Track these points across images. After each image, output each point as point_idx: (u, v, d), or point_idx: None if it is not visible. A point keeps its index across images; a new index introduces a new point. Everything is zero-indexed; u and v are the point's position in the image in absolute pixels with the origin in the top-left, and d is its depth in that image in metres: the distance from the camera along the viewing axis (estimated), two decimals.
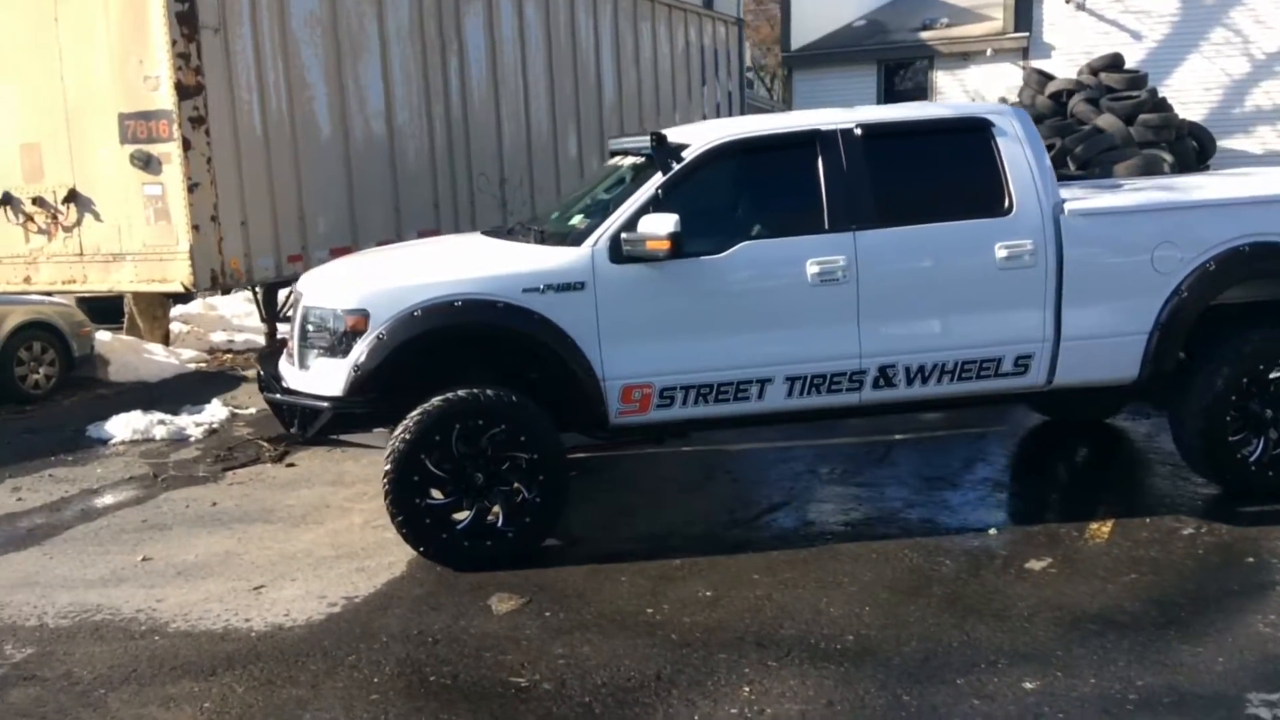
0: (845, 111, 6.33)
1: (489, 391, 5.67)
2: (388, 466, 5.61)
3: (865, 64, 25.35)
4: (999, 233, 6.02)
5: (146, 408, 9.18)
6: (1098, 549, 5.67)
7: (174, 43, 7.57)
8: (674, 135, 6.19)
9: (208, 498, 7.20)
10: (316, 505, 6.94)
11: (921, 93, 24.82)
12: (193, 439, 8.81)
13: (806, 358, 5.94)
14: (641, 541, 6.08)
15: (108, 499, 7.25)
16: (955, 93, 24.33)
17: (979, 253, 6.01)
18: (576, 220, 6.19)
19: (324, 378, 5.78)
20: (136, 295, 10.85)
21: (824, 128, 6.09)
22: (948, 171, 6.24)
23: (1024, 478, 7.22)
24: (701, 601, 5.19)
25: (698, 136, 6.07)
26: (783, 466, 7.36)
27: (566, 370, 5.75)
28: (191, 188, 7.67)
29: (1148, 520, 6.06)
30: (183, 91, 7.59)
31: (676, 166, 5.92)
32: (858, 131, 6.06)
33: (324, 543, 6.23)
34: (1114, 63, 21.12)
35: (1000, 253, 5.99)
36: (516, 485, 5.74)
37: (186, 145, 7.62)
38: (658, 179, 5.91)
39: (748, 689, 4.34)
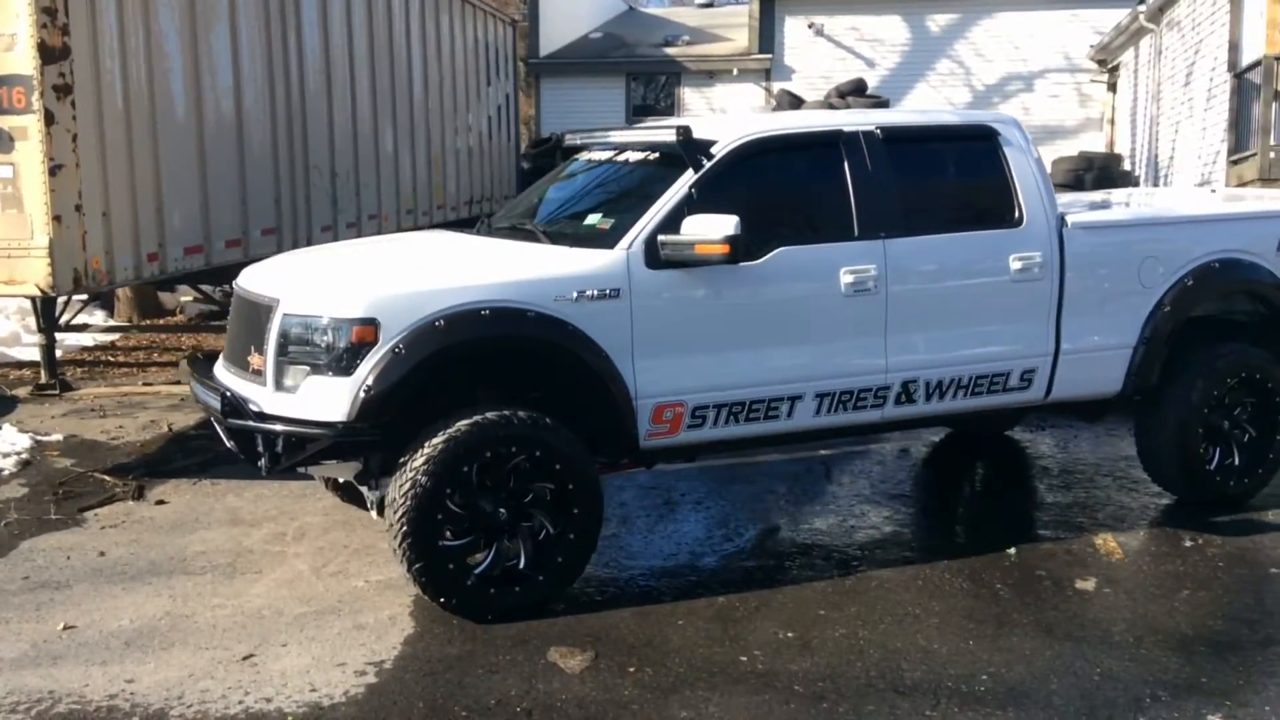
0: (855, 114, 6.01)
1: (521, 414, 4.91)
2: (405, 504, 4.73)
3: (613, 76, 25.36)
4: (1012, 244, 5.89)
5: None
6: (1126, 565, 5.62)
7: None
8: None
9: (86, 546, 5.92)
10: (234, 551, 5.85)
11: (669, 109, 25.07)
12: (5, 472, 7.31)
13: (837, 373, 5.56)
14: (654, 577, 5.49)
15: None
16: (702, 109, 24.74)
17: (995, 265, 5.85)
18: (596, 220, 5.49)
19: (317, 400, 4.81)
20: None
21: (847, 128, 5.74)
22: (961, 180, 6.07)
23: (982, 494, 7.15)
24: (791, 645, 4.68)
25: (721, 132, 5.55)
26: (737, 488, 6.93)
27: (602, 389, 5.08)
28: (53, 170, 6.25)
29: (1140, 534, 6.10)
30: (46, 54, 6.16)
31: (707, 163, 5.38)
32: (879, 134, 5.75)
33: (284, 597, 5.22)
34: (858, 87, 22.04)
35: (1015, 265, 5.86)
36: (542, 521, 5.01)
37: (49, 119, 6.21)
38: (689, 176, 5.34)
39: None
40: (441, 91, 13.78)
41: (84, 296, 9.33)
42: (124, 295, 12.31)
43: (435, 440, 4.78)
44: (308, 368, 4.86)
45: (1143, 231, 6.35)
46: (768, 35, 24.44)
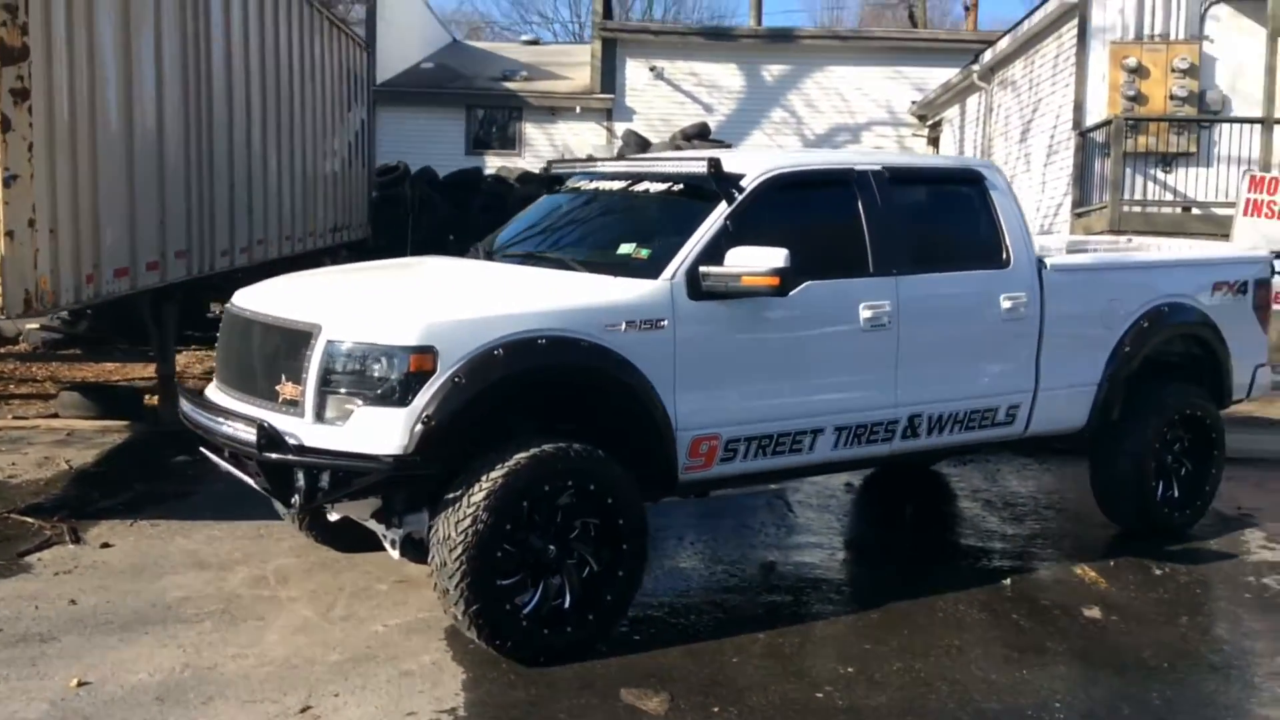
0: (860, 153, 6.14)
1: (576, 446, 4.76)
2: (465, 541, 4.50)
3: (454, 107, 25.10)
4: (1002, 284, 6.12)
5: None
6: (1118, 595, 5.87)
7: None
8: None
9: (49, 594, 5.37)
10: (219, 597, 5.42)
11: (511, 143, 24.96)
12: None
13: (854, 407, 5.64)
14: (681, 614, 5.39)
15: None
16: (543, 145, 24.73)
17: (989, 303, 6.07)
18: (629, 250, 5.38)
19: (369, 432, 4.52)
20: None
21: (858, 166, 5.86)
22: (954, 221, 6.26)
23: (946, 527, 7.30)
24: (857, 680, 4.68)
25: (745, 165, 5.57)
26: (712, 522, 6.90)
27: (648, 421, 4.98)
28: (8, 181, 5.64)
29: (1111, 564, 6.37)
30: (4, 54, 5.56)
31: (739, 196, 5.38)
32: (885, 174, 5.89)
33: (306, 644, 4.87)
34: (702, 131, 22.66)
35: (1005, 304, 6.09)
36: (586, 558, 4.86)
37: (5, 125, 5.59)
38: (722, 209, 5.33)
39: None
40: (316, 115, 13.29)
41: None
42: None
43: (494, 474, 4.57)
44: (357, 398, 4.57)
45: (1109, 275, 6.72)
46: (609, 75, 24.71)
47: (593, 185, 6.13)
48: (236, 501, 6.92)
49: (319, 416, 4.62)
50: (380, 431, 4.52)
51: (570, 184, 6.37)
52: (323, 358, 4.61)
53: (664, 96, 24.65)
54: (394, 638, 4.96)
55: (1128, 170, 13.68)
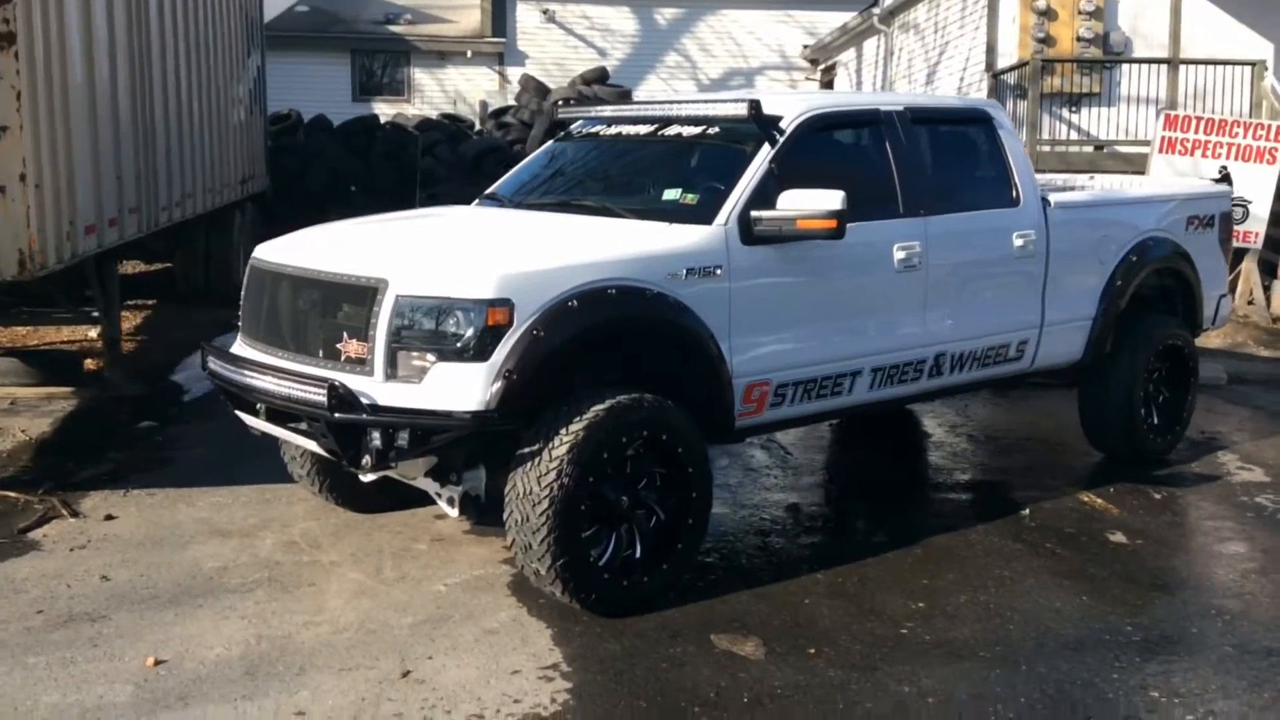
0: (882, 94, 6.14)
1: (648, 396, 4.70)
2: (549, 496, 4.40)
3: (338, 52, 24.28)
4: (1014, 222, 6.23)
5: None
6: (1132, 520, 6.07)
7: None
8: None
9: (75, 571, 5.08)
10: (257, 564, 5.21)
11: (400, 89, 24.30)
12: None
13: (889, 347, 5.69)
14: (727, 559, 5.39)
15: None
16: (434, 91, 24.15)
17: (1004, 242, 6.17)
18: (676, 195, 5.29)
19: (447, 389, 4.37)
20: None
21: (883, 107, 5.86)
22: (969, 161, 6.33)
23: (943, 462, 7.45)
24: (934, 615, 4.76)
25: (782, 107, 5.51)
26: (721, 464, 6.91)
27: (710, 368, 4.94)
28: None
29: (1110, 490, 6.58)
30: None
31: (779, 138, 5.34)
32: (908, 115, 5.92)
33: (373, 608, 4.71)
34: (600, 77, 22.42)
35: (1017, 242, 6.21)
36: (654, 507, 4.82)
37: None
38: (766, 151, 5.28)
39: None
40: (225, 61, 12.68)
41: None
42: None
43: (573, 426, 4.47)
44: (430, 354, 4.41)
45: (1104, 211, 6.90)
46: (500, 19, 24.19)
47: (614, 130, 5.99)
48: (222, 467, 6.70)
49: (390, 374, 4.44)
50: (459, 388, 4.37)
51: (584, 130, 6.22)
52: (392, 314, 4.43)
53: (557, 40, 24.28)
54: (460, 597, 4.85)
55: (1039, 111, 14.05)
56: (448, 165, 18.58)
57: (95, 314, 8.35)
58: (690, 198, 5.24)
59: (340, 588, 4.95)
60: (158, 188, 8.70)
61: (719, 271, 4.97)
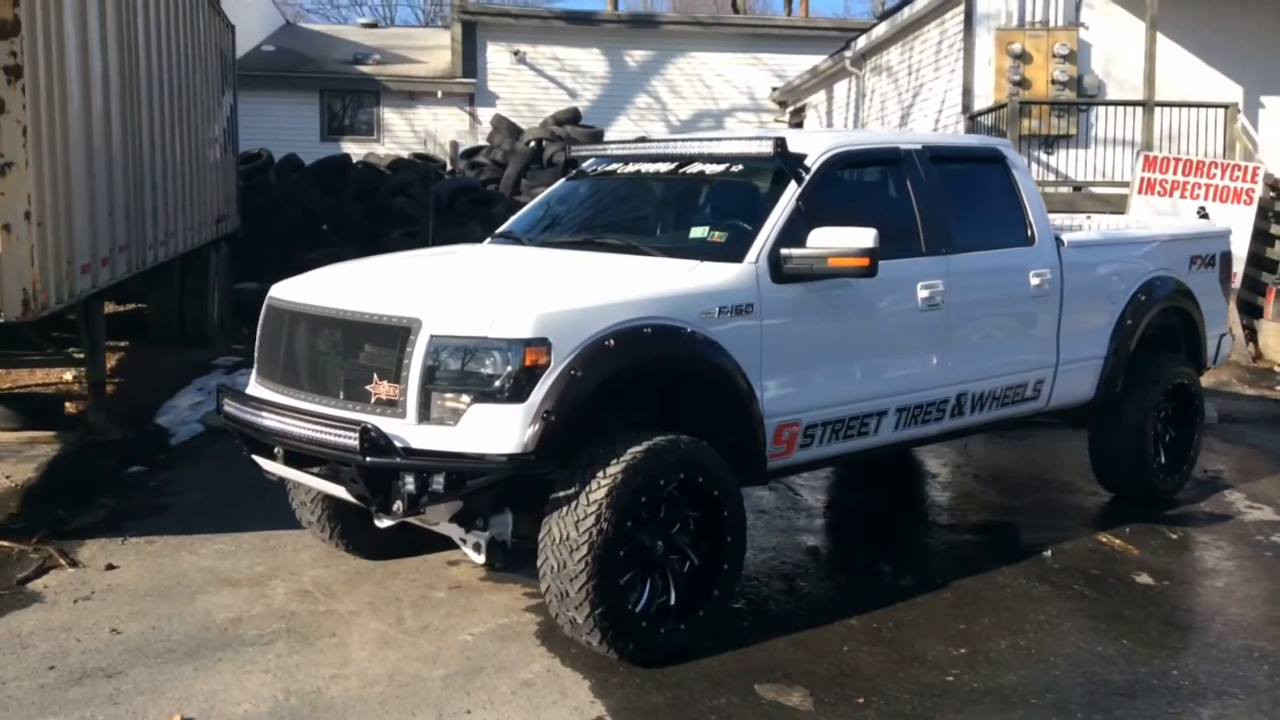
0: (900, 133, 6.12)
1: (684, 438, 4.58)
2: (588, 541, 4.26)
3: (307, 91, 24.11)
4: (1030, 261, 6.21)
5: None
6: (1154, 561, 6.02)
7: None
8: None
9: (82, 625, 4.86)
10: (272, 615, 5.01)
11: (369, 129, 24.17)
12: None
13: (913, 387, 5.62)
14: (756, 604, 5.27)
15: None
16: (403, 131, 24.05)
17: (1022, 281, 6.15)
18: (703, 233, 5.21)
19: (484, 431, 4.24)
20: None
21: (903, 146, 5.83)
22: (986, 200, 6.29)
23: (953, 504, 7.39)
24: (976, 660, 4.66)
25: (805, 145, 5.46)
26: None
27: (743, 409, 4.84)
28: (2, 170, 5.02)
29: (1127, 531, 6.53)
30: None
31: (806, 176, 5.28)
32: (927, 154, 5.89)
33: (400, 660, 4.53)
34: (573, 117, 22.42)
35: (1033, 281, 6.18)
36: (687, 552, 4.69)
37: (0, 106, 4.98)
38: (793, 189, 5.22)
39: None
40: (202, 100, 12.52)
41: None
42: None
43: (611, 469, 4.35)
44: (465, 396, 4.27)
45: (1115, 250, 6.90)
46: (470, 59, 24.19)
47: (632, 168, 5.90)
48: (221, 512, 6.51)
49: (423, 416, 4.30)
50: (496, 430, 4.24)
51: (599, 168, 6.12)
52: (426, 354, 4.30)
53: (527, 81, 24.29)
54: (488, 646, 4.68)
55: None
56: (421, 204, 18.43)
57: (79, 355, 8.12)
58: (719, 235, 5.16)
59: (363, 638, 4.76)
60: (145, 225, 8.50)
61: (751, 310, 4.89)
